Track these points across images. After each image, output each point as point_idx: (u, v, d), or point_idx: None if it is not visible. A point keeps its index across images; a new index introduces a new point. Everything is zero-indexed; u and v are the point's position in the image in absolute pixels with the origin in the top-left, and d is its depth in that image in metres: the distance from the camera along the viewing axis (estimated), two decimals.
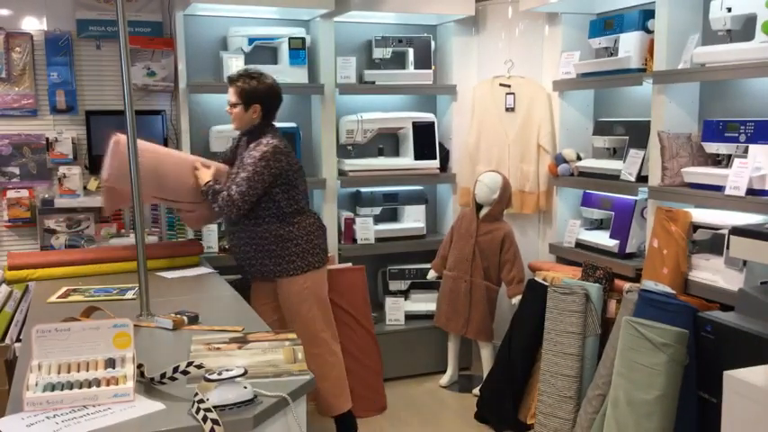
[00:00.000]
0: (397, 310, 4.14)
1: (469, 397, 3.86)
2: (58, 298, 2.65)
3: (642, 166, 3.27)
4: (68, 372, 1.69)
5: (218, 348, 2.02)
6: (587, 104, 3.94)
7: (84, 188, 3.72)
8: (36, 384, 1.64)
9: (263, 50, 4.01)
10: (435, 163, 4.18)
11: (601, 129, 3.64)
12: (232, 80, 3.08)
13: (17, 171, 3.69)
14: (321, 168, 4.02)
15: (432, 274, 4.01)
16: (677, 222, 2.92)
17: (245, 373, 1.67)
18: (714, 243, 2.88)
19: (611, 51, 3.51)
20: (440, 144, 4.24)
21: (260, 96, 3.04)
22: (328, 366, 3.20)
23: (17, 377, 1.82)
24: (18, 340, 2.92)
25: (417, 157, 4.15)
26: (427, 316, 4.13)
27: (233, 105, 3.06)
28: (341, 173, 4.05)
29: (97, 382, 1.66)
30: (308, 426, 1.83)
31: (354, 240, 4.06)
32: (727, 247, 2.62)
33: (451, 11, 4.05)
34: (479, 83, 4.17)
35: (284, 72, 3.94)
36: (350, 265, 3.83)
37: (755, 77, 2.78)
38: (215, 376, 1.63)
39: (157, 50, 3.80)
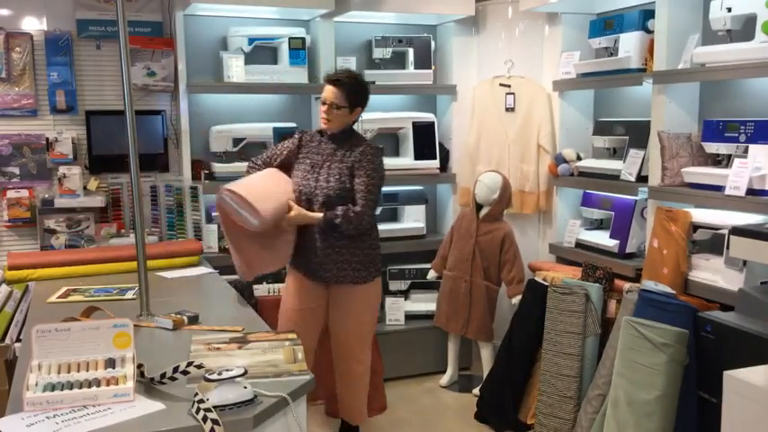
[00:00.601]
0: (397, 310, 4.14)
1: (469, 397, 3.86)
2: (58, 298, 2.66)
3: (642, 166, 3.27)
4: (68, 372, 1.69)
5: (218, 348, 2.02)
6: (587, 104, 3.93)
7: (84, 188, 3.72)
8: (36, 384, 1.64)
9: (263, 50, 4.01)
10: (435, 163, 4.18)
11: (601, 129, 3.64)
12: (337, 81, 2.88)
13: (17, 171, 3.69)
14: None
15: (432, 274, 4.01)
16: (677, 222, 2.92)
17: (245, 373, 1.67)
18: (714, 243, 2.88)
19: (611, 51, 3.51)
20: (440, 144, 4.24)
21: (364, 99, 2.94)
22: (372, 372, 3.19)
23: (17, 377, 1.82)
24: (18, 340, 2.92)
25: (417, 157, 4.15)
26: (427, 316, 4.13)
27: (337, 107, 2.86)
28: None
29: (97, 382, 1.66)
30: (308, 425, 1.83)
31: None
32: (727, 247, 2.62)
33: (451, 11, 4.05)
34: (479, 83, 4.17)
35: (284, 72, 3.94)
36: None
37: (755, 77, 2.78)
38: (215, 376, 1.63)
39: (157, 50, 3.80)
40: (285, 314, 3.06)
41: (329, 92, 2.87)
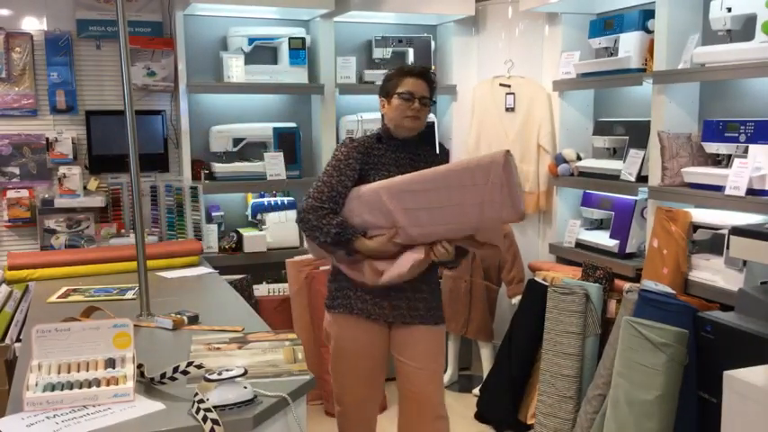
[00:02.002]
0: None
1: (469, 397, 3.86)
2: (58, 298, 2.66)
3: (642, 166, 3.27)
4: (68, 372, 1.69)
5: (218, 348, 2.02)
6: (587, 104, 3.93)
7: (85, 188, 3.72)
8: (36, 384, 1.64)
9: (263, 50, 4.01)
10: None
11: (601, 129, 3.64)
12: (426, 73, 2.46)
13: (17, 171, 3.69)
14: (321, 168, 4.01)
15: None
16: (677, 222, 2.91)
17: (245, 373, 1.67)
18: (714, 243, 2.88)
19: (611, 51, 3.51)
20: (440, 144, 4.23)
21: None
22: None
23: (17, 377, 1.82)
24: (18, 340, 2.92)
25: None
26: None
27: (427, 103, 2.44)
28: None
29: (97, 382, 1.66)
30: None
31: None
32: (727, 247, 2.62)
33: (451, 11, 4.05)
34: (479, 83, 4.16)
35: (284, 72, 3.94)
36: None
37: (755, 77, 2.78)
38: (215, 376, 1.63)
39: (157, 50, 3.80)
40: (348, 373, 2.50)
41: (419, 85, 2.40)
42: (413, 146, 2.49)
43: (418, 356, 2.45)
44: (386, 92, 2.45)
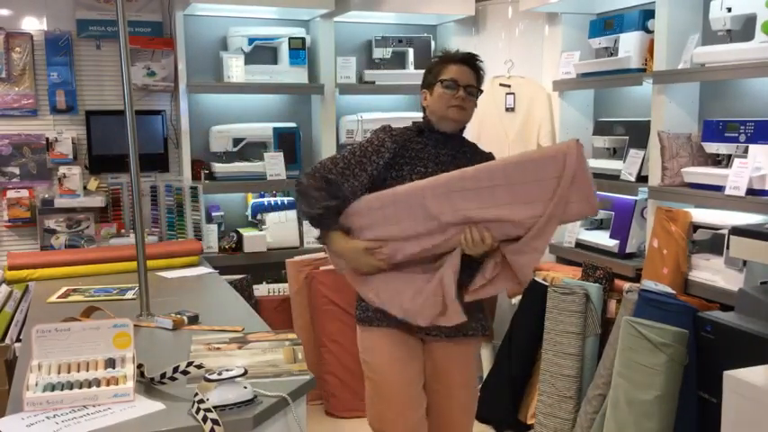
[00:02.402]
0: None
1: None
2: (58, 298, 2.66)
3: (642, 166, 3.27)
4: (68, 372, 1.69)
5: (218, 348, 2.02)
6: (587, 104, 3.93)
7: (85, 188, 3.72)
8: (36, 384, 1.64)
9: (263, 50, 4.00)
10: None
11: (601, 129, 3.64)
12: (469, 60, 2.25)
13: (17, 171, 3.69)
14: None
15: None
16: (677, 222, 2.91)
17: (245, 373, 1.67)
18: (714, 243, 2.88)
19: (611, 51, 3.51)
20: None
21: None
22: None
23: (17, 377, 1.82)
24: (18, 340, 2.93)
25: None
26: None
27: (474, 93, 2.23)
28: None
29: (97, 382, 1.66)
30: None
31: None
32: (727, 247, 2.62)
33: (451, 11, 4.05)
34: None
35: (284, 72, 3.94)
36: None
37: (755, 77, 2.78)
38: (215, 376, 1.63)
39: (157, 50, 3.80)
40: (389, 389, 2.19)
41: (463, 73, 2.20)
42: (457, 142, 2.25)
43: (453, 383, 2.21)
44: (428, 83, 2.24)
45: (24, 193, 3.66)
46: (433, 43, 4.23)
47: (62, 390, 1.63)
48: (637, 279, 3.13)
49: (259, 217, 3.98)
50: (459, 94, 2.18)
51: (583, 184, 2.01)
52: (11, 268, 2.99)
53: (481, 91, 2.25)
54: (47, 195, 3.67)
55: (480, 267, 2.12)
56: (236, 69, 3.82)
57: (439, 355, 2.24)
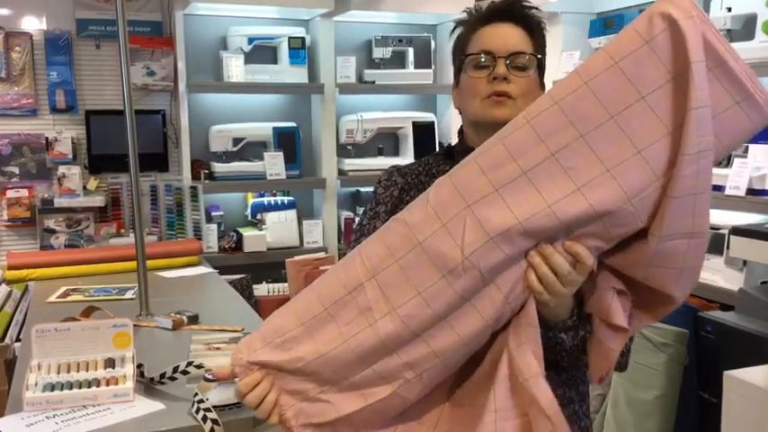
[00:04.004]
0: None
1: None
2: (58, 298, 2.65)
3: None
4: (68, 372, 1.69)
5: (218, 348, 2.02)
6: None
7: (84, 188, 3.71)
8: (36, 384, 1.64)
9: (262, 50, 4.00)
10: None
11: None
12: (514, 11, 1.31)
13: (17, 171, 3.69)
14: (321, 168, 4.02)
15: None
16: None
17: None
18: (714, 243, 2.88)
19: None
20: (440, 144, 4.23)
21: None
22: None
23: (17, 377, 1.82)
24: (18, 340, 2.92)
25: (417, 157, 4.13)
26: None
27: (526, 65, 1.29)
28: (341, 172, 4.05)
29: (97, 382, 1.66)
30: None
31: None
32: (727, 247, 2.62)
33: (452, 10, 4.04)
34: None
35: (284, 72, 3.94)
36: None
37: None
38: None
39: (157, 50, 3.80)
40: None
41: (506, 35, 1.29)
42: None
43: None
44: (456, 68, 1.37)
45: (24, 192, 3.66)
46: (432, 43, 4.23)
47: (62, 390, 1.63)
48: None
49: (259, 217, 3.98)
50: (500, 72, 1.25)
51: (731, 75, 1.00)
52: (10, 268, 2.98)
53: (541, 60, 1.31)
54: (46, 195, 3.66)
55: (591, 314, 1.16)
56: (235, 69, 3.82)
57: None
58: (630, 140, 1.00)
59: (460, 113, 1.39)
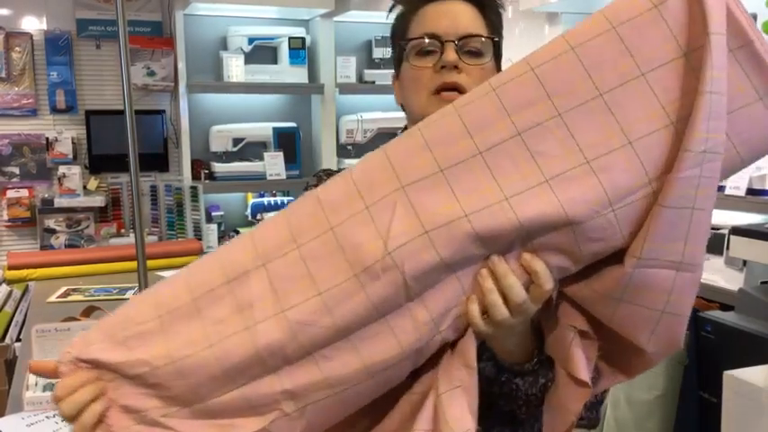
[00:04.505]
0: None
1: None
2: (58, 298, 2.65)
3: None
4: None
5: None
6: None
7: (84, 188, 3.72)
8: (36, 384, 1.64)
9: (262, 50, 4.00)
10: None
11: None
12: None
13: (17, 171, 3.69)
14: (321, 168, 4.02)
15: None
16: None
17: None
18: (714, 243, 2.88)
19: None
20: None
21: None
22: None
23: (17, 377, 1.82)
24: (18, 340, 2.92)
25: None
26: None
27: (480, 51, 1.08)
28: None
29: None
30: None
31: None
32: (727, 247, 2.62)
33: None
34: None
35: (284, 72, 3.94)
36: None
37: None
38: None
39: (157, 50, 3.80)
40: None
41: (454, 14, 1.07)
42: None
43: None
44: (397, 56, 1.16)
45: (24, 192, 3.66)
46: None
47: None
48: None
49: (259, 217, 3.98)
50: (449, 59, 1.04)
51: (757, 60, 0.76)
52: (10, 268, 2.98)
53: (498, 43, 1.10)
54: (47, 195, 3.66)
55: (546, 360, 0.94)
56: (235, 69, 3.82)
57: None
58: (621, 127, 0.76)
59: (404, 110, 1.20)
